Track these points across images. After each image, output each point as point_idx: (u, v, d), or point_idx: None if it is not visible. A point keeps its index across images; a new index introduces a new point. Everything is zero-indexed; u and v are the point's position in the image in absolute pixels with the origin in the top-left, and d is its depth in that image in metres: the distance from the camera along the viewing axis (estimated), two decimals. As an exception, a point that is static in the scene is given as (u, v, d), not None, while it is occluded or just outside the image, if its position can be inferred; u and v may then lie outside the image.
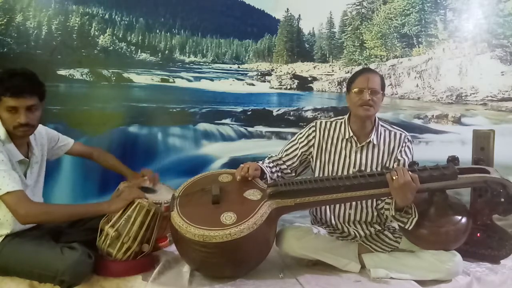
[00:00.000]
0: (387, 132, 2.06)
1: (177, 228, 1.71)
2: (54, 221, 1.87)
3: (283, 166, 2.11)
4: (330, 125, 2.11)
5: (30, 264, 1.71)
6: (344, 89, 3.98)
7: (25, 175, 1.84)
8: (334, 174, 2.02)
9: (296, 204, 1.82)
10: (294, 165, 2.12)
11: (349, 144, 2.06)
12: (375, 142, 2.03)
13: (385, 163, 2.02)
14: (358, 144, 2.04)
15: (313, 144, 2.10)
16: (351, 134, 2.04)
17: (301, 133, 2.15)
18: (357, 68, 3.90)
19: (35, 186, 1.92)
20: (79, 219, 1.94)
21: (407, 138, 2.05)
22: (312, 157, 2.11)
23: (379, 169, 1.97)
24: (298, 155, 2.11)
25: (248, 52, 4.06)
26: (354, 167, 2.03)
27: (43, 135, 1.99)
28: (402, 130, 2.09)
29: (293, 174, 2.14)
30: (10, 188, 1.65)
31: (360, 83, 1.97)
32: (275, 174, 2.07)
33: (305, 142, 2.11)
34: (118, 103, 3.58)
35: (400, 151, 2.02)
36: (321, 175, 2.06)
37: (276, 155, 2.15)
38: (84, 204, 1.93)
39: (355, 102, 1.97)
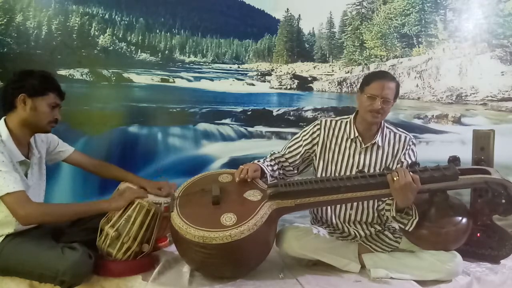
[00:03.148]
0: (392, 134, 2.06)
1: (177, 229, 1.71)
2: (55, 221, 1.87)
3: (286, 164, 2.11)
4: (335, 124, 2.10)
5: (31, 264, 1.71)
6: (344, 89, 4.01)
7: (26, 175, 1.84)
8: (336, 175, 2.02)
9: (297, 205, 1.82)
10: (297, 162, 2.11)
11: (353, 144, 2.06)
12: (380, 143, 2.03)
13: (389, 165, 2.02)
14: (363, 145, 2.04)
15: (317, 142, 2.10)
16: (357, 134, 2.04)
17: (305, 131, 2.14)
18: (357, 68, 3.91)
19: (37, 187, 1.92)
20: (79, 218, 1.94)
21: (412, 141, 2.05)
22: (315, 155, 2.11)
23: (381, 170, 1.96)
24: (302, 152, 2.10)
25: (248, 52, 4.06)
26: (358, 167, 2.02)
27: (43, 137, 1.99)
28: (406, 132, 2.09)
29: (295, 172, 2.14)
30: (10, 189, 1.65)
31: (374, 89, 1.93)
32: (276, 172, 2.07)
33: (309, 140, 2.10)
34: (118, 103, 3.57)
35: (404, 153, 2.02)
36: (323, 175, 2.06)
37: (278, 152, 2.14)
38: (85, 202, 1.93)
39: (365, 107, 1.96)
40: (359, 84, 2.08)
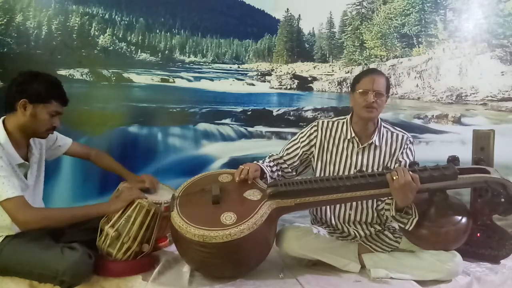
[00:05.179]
0: (389, 133, 2.06)
1: (177, 228, 1.71)
2: (55, 226, 1.85)
3: (284, 165, 2.11)
4: (332, 125, 2.11)
5: (30, 264, 1.71)
6: (344, 89, 4.02)
7: (25, 176, 1.84)
8: (334, 174, 2.02)
9: (296, 204, 1.82)
10: (295, 164, 2.11)
11: (350, 145, 2.06)
12: (377, 143, 2.03)
13: (387, 164, 2.02)
14: (360, 145, 2.04)
15: (315, 144, 2.10)
16: (353, 135, 2.04)
17: (302, 132, 2.14)
18: (357, 68, 3.91)
19: (36, 186, 1.93)
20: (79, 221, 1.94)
21: (409, 140, 2.05)
22: (313, 156, 2.11)
23: (380, 170, 1.97)
24: (299, 154, 2.10)
25: (248, 52, 4.06)
26: (356, 167, 2.02)
27: None
28: (404, 131, 2.09)
29: (294, 173, 2.14)
30: (9, 195, 1.65)
31: (365, 84, 1.95)
32: (276, 173, 2.07)
33: (307, 141, 2.11)
34: (118, 103, 3.58)
35: (402, 152, 2.02)
36: (322, 175, 2.06)
37: (277, 154, 2.14)
38: (84, 206, 1.91)
39: (359, 103, 1.96)
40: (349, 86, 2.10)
